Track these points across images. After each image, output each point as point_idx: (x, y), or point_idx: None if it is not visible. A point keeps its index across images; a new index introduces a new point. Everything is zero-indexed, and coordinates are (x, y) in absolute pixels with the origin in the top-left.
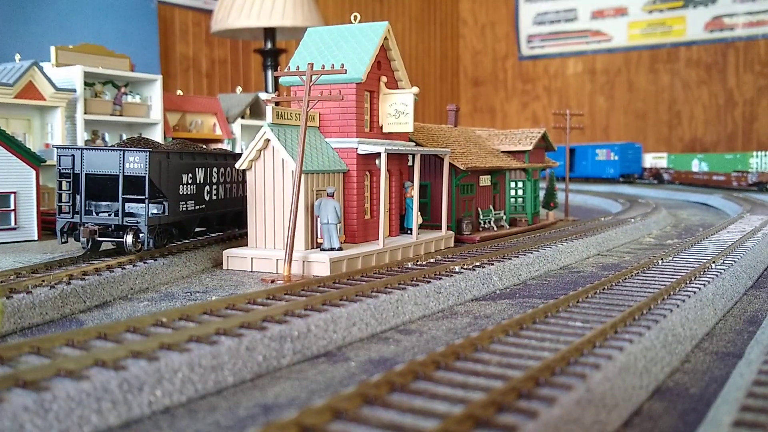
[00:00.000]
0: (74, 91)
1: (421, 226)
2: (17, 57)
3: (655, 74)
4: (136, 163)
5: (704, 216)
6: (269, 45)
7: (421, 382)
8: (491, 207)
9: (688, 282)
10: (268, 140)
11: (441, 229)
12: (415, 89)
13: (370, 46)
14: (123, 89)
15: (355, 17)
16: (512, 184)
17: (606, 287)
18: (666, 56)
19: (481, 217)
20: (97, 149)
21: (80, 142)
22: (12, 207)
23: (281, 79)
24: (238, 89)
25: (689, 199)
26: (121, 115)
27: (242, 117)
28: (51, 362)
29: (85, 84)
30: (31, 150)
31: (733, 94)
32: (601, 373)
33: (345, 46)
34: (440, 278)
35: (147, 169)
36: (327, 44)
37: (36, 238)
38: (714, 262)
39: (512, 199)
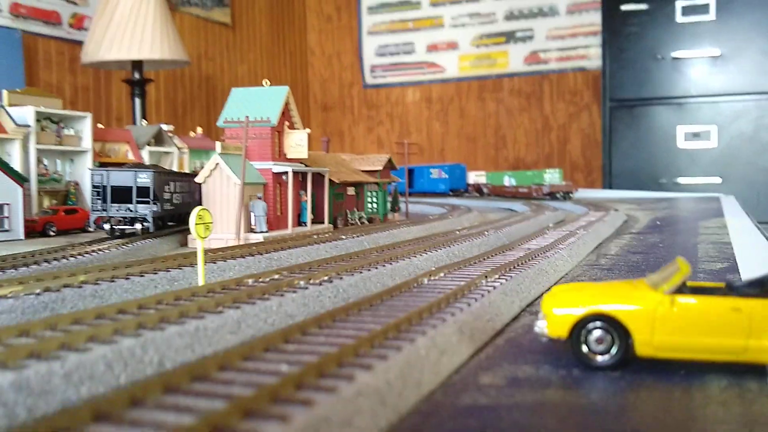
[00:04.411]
0: (29, 126)
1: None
2: None
3: (482, 102)
4: (146, 179)
5: (502, 215)
6: (137, 75)
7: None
8: (355, 209)
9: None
10: (217, 163)
11: (324, 223)
12: (308, 130)
13: (278, 102)
14: (60, 124)
15: (266, 83)
16: (369, 193)
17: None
18: (492, 86)
19: (349, 216)
20: (119, 170)
21: (33, 168)
22: (6, 214)
23: (220, 123)
24: (144, 122)
25: (500, 206)
26: (61, 145)
27: (149, 144)
28: None
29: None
30: (18, 172)
31: (548, 120)
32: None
33: (261, 102)
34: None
35: (152, 182)
36: (248, 100)
37: (23, 238)
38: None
39: (369, 204)
